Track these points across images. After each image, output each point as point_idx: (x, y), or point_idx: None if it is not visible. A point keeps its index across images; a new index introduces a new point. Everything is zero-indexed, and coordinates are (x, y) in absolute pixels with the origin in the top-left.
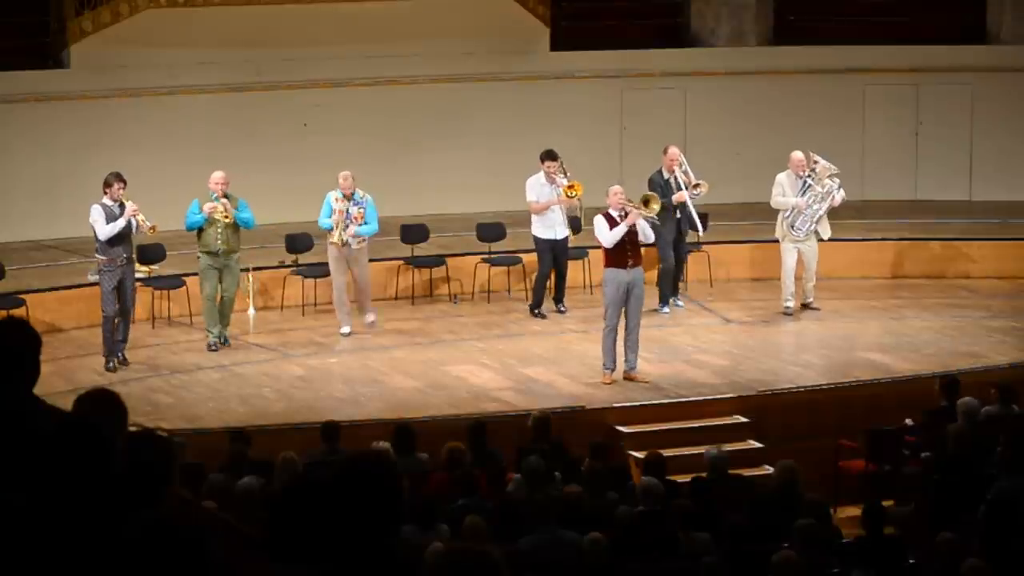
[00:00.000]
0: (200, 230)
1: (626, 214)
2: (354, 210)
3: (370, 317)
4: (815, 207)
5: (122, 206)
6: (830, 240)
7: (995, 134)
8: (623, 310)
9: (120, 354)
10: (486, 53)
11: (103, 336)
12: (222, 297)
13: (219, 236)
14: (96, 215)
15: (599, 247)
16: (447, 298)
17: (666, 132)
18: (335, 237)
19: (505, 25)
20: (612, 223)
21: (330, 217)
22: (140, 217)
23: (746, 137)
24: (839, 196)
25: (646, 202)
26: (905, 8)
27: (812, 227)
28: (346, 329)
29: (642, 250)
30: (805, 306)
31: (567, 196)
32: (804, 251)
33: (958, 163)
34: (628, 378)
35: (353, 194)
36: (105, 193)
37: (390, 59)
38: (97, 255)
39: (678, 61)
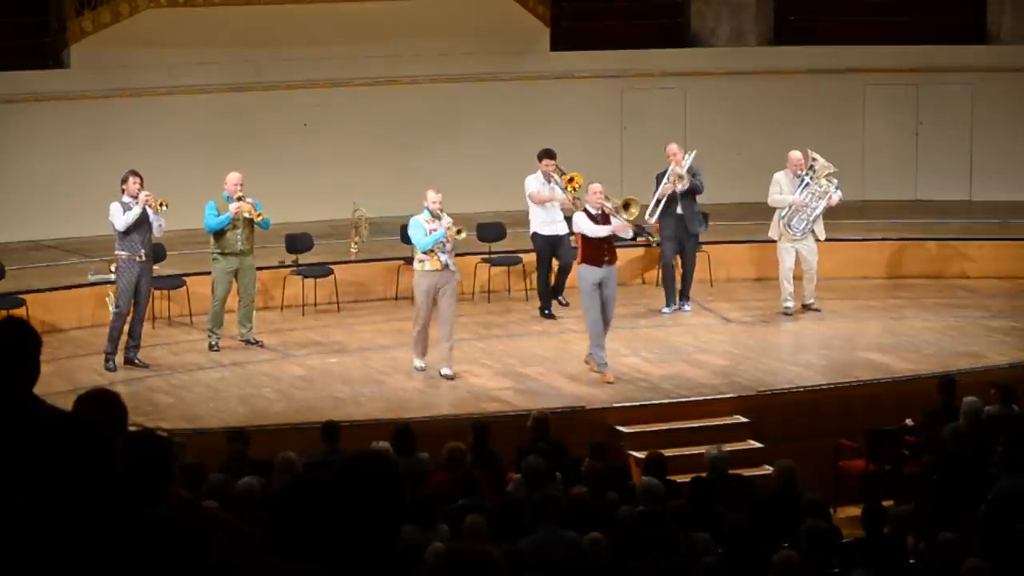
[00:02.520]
0: (220, 232)
1: (603, 212)
2: (447, 220)
3: (448, 369)
4: (812, 205)
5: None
6: (829, 240)
7: (995, 134)
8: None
9: (136, 358)
10: (486, 53)
11: (110, 334)
12: (241, 299)
13: (240, 237)
14: (114, 210)
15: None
16: None
17: (666, 132)
18: (433, 261)
19: (505, 25)
20: (593, 220)
21: (427, 236)
22: (152, 203)
23: (746, 137)
24: (836, 196)
25: (626, 206)
26: (905, 8)
27: (808, 226)
28: (421, 364)
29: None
30: (806, 307)
31: (571, 189)
32: (802, 251)
33: (958, 163)
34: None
35: (442, 210)
36: (122, 191)
37: (390, 59)
38: (116, 252)
39: (678, 61)
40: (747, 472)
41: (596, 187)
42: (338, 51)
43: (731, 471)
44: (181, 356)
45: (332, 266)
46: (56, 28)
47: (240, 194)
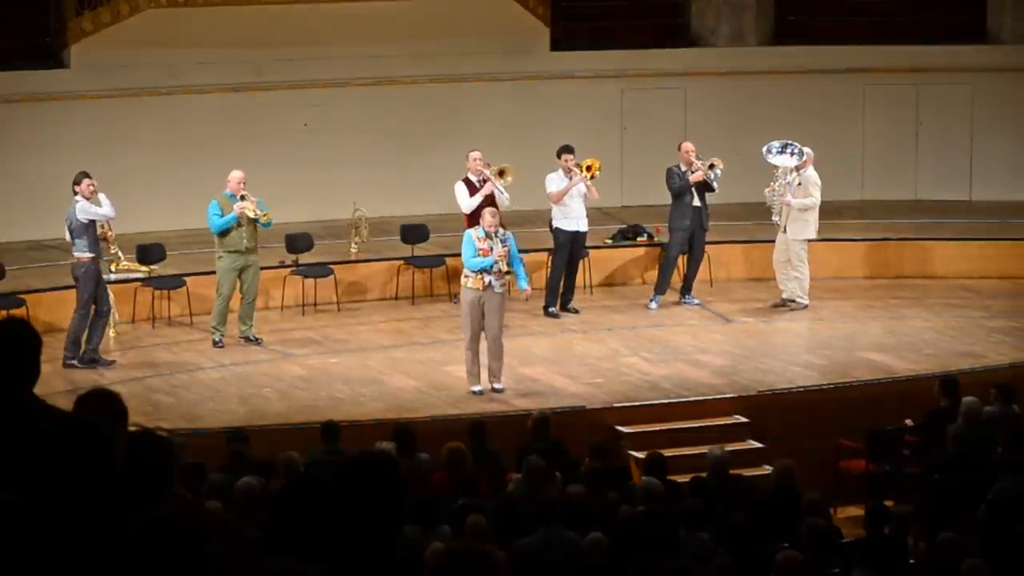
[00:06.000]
0: (225, 231)
1: (483, 180)
2: (500, 249)
3: (499, 383)
4: (769, 195)
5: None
6: (829, 240)
7: (995, 134)
8: None
9: (98, 357)
10: (486, 53)
11: (74, 336)
12: (243, 297)
13: (244, 235)
14: (86, 208)
15: (599, 247)
16: (447, 298)
17: (666, 132)
18: (476, 280)
19: (505, 25)
20: (471, 188)
21: (476, 256)
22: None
23: (746, 137)
24: (787, 197)
25: (501, 173)
26: (905, 8)
27: (777, 218)
28: (478, 388)
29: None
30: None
31: (589, 175)
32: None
33: (958, 163)
34: None
35: (496, 231)
36: (75, 192)
37: (390, 59)
38: (79, 253)
39: (678, 61)
40: (747, 472)
41: (476, 154)
42: (338, 51)
43: (731, 471)
44: (181, 356)
45: (332, 266)
46: (56, 28)
47: (243, 193)
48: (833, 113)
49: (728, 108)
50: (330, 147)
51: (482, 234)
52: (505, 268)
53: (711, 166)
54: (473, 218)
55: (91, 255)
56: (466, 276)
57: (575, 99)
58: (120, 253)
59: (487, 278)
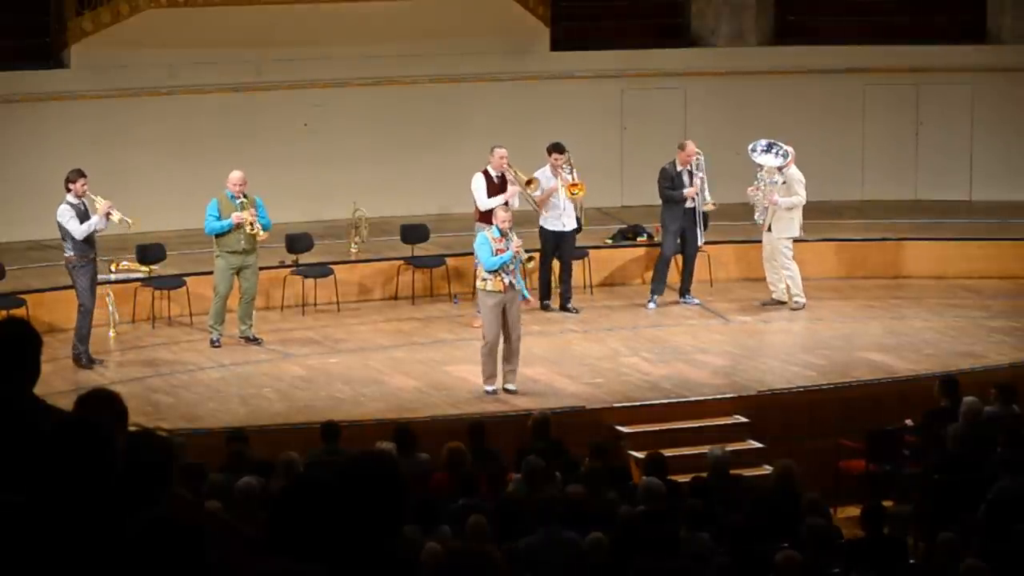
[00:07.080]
0: (222, 231)
1: (503, 177)
2: (517, 241)
3: (512, 384)
4: (753, 195)
5: (84, 203)
6: (830, 240)
7: (995, 134)
8: None
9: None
10: (486, 53)
11: (79, 333)
12: (242, 296)
13: (242, 237)
14: (67, 215)
15: (599, 247)
16: (447, 298)
17: (666, 132)
18: (496, 282)
19: (505, 25)
20: (490, 182)
21: (494, 255)
22: (115, 216)
23: (746, 137)
24: (775, 197)
25: (529, 183)
26: (905, 8)
27: (759, 217)
28: (492, 388)
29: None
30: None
31: (569, 194)
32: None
33: (958, 163)
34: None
35: (511, 228)
36: (68, 191)
37: (390, 59)
38: (68, 252)
39: (678, 61)
40: (747, 472)
41: (502, 151)
42: (338, 51)
43: (731, 471)
44: (181, 356)
45: (332, 266)
46: (56, 28)
47: (242, 200)
48: (833, 113)
49: (728, 108)
50: (330, 147)
51: (497, 233)
52: (526, 256)
53: (709, 204)
54: (485, 212)
55: (75, 253)
56: (484, 280)
57: (575, 99)
58: (128, 220)
59: (507, 278)
